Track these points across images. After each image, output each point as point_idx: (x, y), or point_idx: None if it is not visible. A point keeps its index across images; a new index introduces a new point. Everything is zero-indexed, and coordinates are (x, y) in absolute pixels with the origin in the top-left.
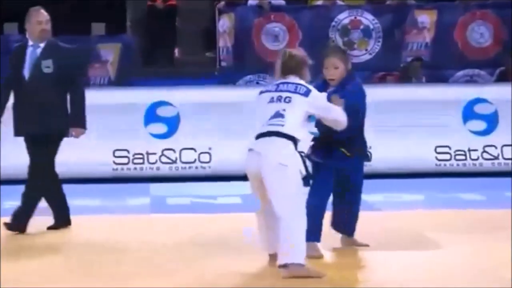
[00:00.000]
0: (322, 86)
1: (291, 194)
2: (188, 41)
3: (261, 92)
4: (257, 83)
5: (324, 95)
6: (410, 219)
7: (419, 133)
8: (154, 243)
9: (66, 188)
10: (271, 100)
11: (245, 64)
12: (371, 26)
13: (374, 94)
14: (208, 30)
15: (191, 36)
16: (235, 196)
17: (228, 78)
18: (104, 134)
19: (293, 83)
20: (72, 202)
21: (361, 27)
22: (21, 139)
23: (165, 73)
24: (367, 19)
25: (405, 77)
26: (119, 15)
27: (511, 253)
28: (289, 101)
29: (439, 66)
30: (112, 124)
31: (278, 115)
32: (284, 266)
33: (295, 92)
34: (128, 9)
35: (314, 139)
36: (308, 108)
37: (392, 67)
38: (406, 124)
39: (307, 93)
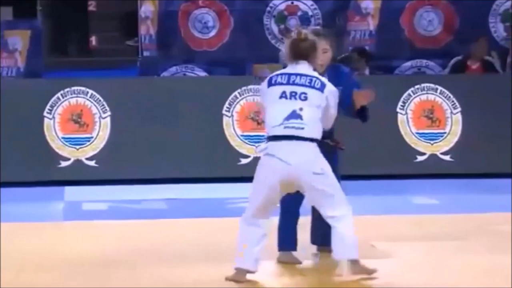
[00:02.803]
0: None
1: (337, 194)
2: (105, 28)
3: (270, 84)
4: (184, 74)
5: (335, 89)
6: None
7: None
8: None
9: None
10: (283, 95)
11: (170, 53)
12: (310, 12)
13: None
14: (128, 16)
15: (109, 22)
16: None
17: (150, 69)
18: None
19: (306, 75)
20: None
21: (299, 13)
22: None
23: (80, 63)
24: (306, 4)
25: None
26: None
27: None
28: (305, 99)
29: (385, 56)
30: None
31: (296, 115)
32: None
33: (310, 86)
34: None
35: None
36: (323, 104)
37: (333, 58)
38: None
39: (322, 88)
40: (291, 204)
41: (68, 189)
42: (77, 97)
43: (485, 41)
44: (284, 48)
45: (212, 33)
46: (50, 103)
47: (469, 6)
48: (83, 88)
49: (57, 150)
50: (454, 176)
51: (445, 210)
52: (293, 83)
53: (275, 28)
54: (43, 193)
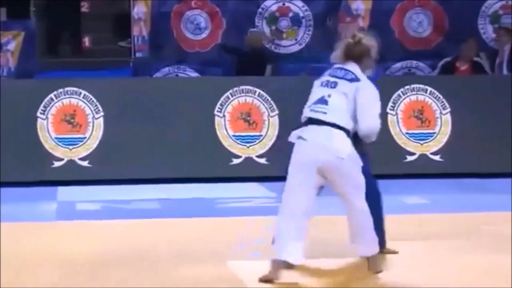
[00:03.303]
0: None
1: (360, 184)
2: (98, 29)
3: (321, 76)
4: (176, 75)
5: (376, 92)
6: None
7: None
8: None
9: None
10: (322, 84)
11: (163, 54)
12: (301, 14)
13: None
14: (121, 17)
15: (102, 23)
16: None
17: (143, 69)
18: None
19: (345, 69)
20: None
21: (290, 14)
22: None
23: (73, 63)
24: (297, 6)
25: None
26: None
27: None
28: (335, 86)
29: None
30: None
31: (322, 101)
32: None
33: (342, 78)
34: None
35: None
36: (350, 94)
37: (324, 59)
38: None
39: (352, 80)
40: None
41: (61, 189)
42: (70, 97)
43: (474, 42)
44: (337, 49)
45: (204, 34)
46: (43, 103)
47: (459, 7)
48: (76, 89)
49: (50, 151)
50: (444, 176)
51: (436, 210)
52: (331, 75)
53: (266, 29)
54: (37, 193)
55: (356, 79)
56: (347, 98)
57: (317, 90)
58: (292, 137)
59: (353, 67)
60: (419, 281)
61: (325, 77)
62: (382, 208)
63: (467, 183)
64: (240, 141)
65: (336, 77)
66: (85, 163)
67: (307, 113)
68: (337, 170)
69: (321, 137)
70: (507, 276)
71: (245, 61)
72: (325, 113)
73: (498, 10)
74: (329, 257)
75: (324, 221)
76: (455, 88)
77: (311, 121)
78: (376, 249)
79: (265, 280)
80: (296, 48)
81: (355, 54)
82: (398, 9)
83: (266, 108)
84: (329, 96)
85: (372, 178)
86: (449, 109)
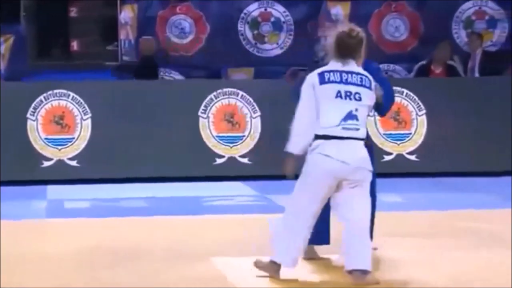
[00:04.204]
0: None
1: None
2: (87, 33)
3: (323, 82)
4: (162, 78)
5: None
6: None
7: None
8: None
9: None
10: (339, 95)
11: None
12: (282, 19)
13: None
14: (108, 21)
15: (90, 27)
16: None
17: (130, 72)
18: None
19: (357, 73)
20: None
21: (272, 19)
22: None
23: (61, 66)
24: (278, 11)
25: None
26: (13, 2)
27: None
28: (360, 99)
29: None
30: None
31: (352, 116)
32: (360, 271)
33: (361, 85)
34: None
35: None
36: (372, 104)
37: (305, 62)
38: None
39: (371, 86)
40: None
41: (51, 188)
42: (59, 99)
43: (447, 45)
44: (327, 42)
45: (189, 38)
46: (33, 105)
47: (433, 13)
48: (64, 91)
49: (40, 151)
50: (420, 175)
51: (412, 207)
52: (346, 82)
53: (249, 34)
54: (27, 192)
55: (371, 81)
56: (369, 109)
57: (337, 103)
58: (311, 149)
59: (357, 68)
60: (413, 278)
61: (338, 85)
62: (375, 208)
63: (442, 182)
64: (224, 142)
65: (355, 85)
66: (73, 163)
67: (337, 131)
68: (361, 181)
69: (354, 154)
70: (488, 270)
71: (139, 66)
72: (357, 129)
73: (471, 16)
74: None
75: None
76: (430, 90)
77: (341, 137)
78: (370, 266)
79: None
80: (277, 51)
81: (353, 49)
82: (376, 14)
83: (249, 109)
84: (356, 110)
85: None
86: (424, 111)
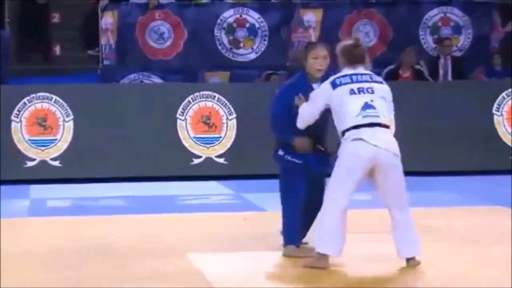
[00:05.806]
0: (302, 78)
1: (404, 186)
2: (68, 38)
3: (335, 86)
4: (141, 81)
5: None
6: None
7: None
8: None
9: None
10: (352, 92)
11: (129, 62)
12: (257, 25)
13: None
14: (90, 27)
15: (72, 33)
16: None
17: (110, 76)
18: None
19: (366, 74)
20: None
21: (247, 25)
22: None
23: (44, 70)
24: (253, 17)
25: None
26: None
27: None
28: (372, 92)
29: None
30: None
31: (369, 106)
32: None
33: (372, 81)
34: (7, 3)
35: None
36: (388, 97)
37: (278, 66)
38: None
39: (382, 81)
40: (302, 199)
41: (34, 187)
42: (42, 102)
43: (413, 50)
44: (339, 53)
45: (167, 43)
46: (17, 107)
47: (401, 19)
48: (47, 94)
49: (23, 151)
50: None
51: (378, 205)
52: (357, 81)
53: (225, 39)
54: (10, 191)
55: (382, 79)
56: (386, 101)
57: (352, 98)
58: (343, 140)
59: (365, 70)
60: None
61: (350, 85)
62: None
63: (407, 181)
64: (201, 143)
65: (366, 81)
66: (56, 163)
67: (359, 120)
68: (393, 167)
69: (380, 138)
70: (451, 267)
71: None
72: (378, 116)
73: (438, 22)
74: None
75: None
76: (398, 94)
77: (367, 125)
78: (417, 252)
79: (314, 266)
80: (252, 56)
81: (362, 56)
82: (347, 20)
83: (225, 111)
84: (372, 101)
85: None
86: (392, 113)
